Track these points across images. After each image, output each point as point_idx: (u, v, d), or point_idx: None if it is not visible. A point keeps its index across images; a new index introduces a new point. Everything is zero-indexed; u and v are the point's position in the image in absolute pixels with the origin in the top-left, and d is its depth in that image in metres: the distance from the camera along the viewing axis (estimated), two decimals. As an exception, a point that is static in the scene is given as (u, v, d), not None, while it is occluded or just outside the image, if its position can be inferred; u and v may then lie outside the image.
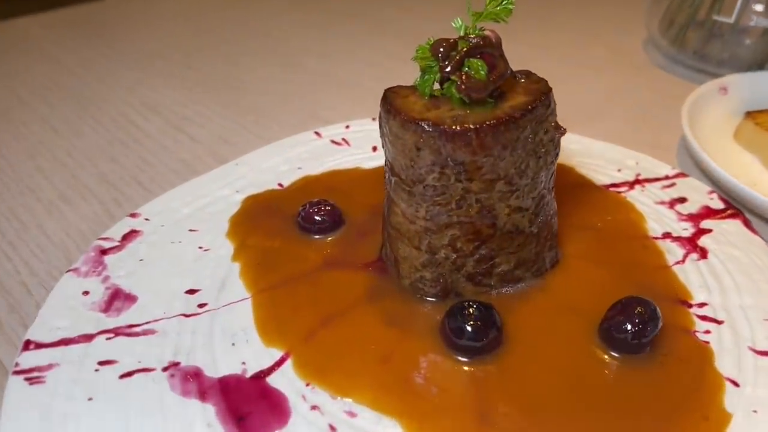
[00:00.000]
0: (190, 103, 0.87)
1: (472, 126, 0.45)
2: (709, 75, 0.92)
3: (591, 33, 1.12)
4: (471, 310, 0.47)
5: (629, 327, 0.47)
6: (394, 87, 0.50)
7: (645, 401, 0.44)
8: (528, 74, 0.50)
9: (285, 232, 0.59)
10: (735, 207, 0.61)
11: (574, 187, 0.65)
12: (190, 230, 0.59)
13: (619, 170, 0.68)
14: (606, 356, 0.47)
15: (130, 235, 0.58)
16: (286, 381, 0.46)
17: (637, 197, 0.64)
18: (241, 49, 1.06)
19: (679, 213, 0.62)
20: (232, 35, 1.13)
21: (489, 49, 0.47)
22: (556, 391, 0.45)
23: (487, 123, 0.45)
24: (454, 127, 0.45)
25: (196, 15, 1.23)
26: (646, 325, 0.47)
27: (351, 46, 1.07)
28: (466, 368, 0.47)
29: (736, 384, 0.45)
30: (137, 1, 1.32)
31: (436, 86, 0.48)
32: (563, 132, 0.49)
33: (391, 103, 0.48)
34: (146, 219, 0.60)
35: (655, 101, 0.88)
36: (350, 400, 0.45)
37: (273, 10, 1.25)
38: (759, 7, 0.89)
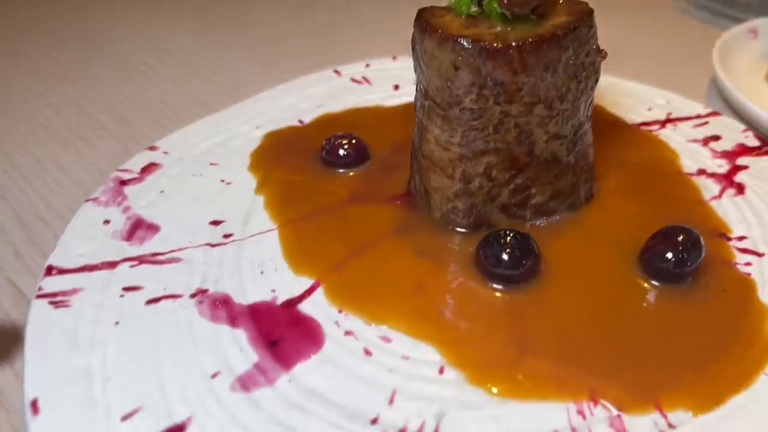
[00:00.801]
0: (203, 44, 0.85)
1: (513, 43, 0.43)
2: (735, 21, 0.89)
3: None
4: (508, 239, 0.46)
5: (671, 256, 0.45)
6: (427, 7, 0.48)
7: (688, 330, 0.43)
8: (568, -5, 0.48)
9: (308, 167, 0.57)
10: (771, 144, 0.60)
11: (605, 125, 0.63)
12: (211, 164, 0.58)
13: (649, 109, 0.66)
14: (647, 285, 0.46)
15: (149, 168, 0.56)
16: (318, 308, 0.44)
17: (669, 135, 0.62)
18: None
19: (713, 150, 0.60)
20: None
21: (531, -35, 0.44)
22: (595, 321, 0.44)
23: (530, 40, 0.43)
24: (495, 44, 0.43)
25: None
26: (689, 253, 0.45)
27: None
28: (502, 297, 0.45)
29: (780, 314, 0.44)
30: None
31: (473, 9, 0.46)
32: (604, 55, 0.47)
33: (428, 21, 0.46)
34: (165, 152, 0.58)
35: (681, 46, 0.86)
36: (385, 326, 0.43)
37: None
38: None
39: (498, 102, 0.45)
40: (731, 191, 0.55)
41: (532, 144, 0.47)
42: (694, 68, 0.78)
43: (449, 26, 0.45)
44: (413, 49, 0.48)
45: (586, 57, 0.46)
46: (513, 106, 0.45)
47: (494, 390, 0.39)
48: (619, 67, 0.79)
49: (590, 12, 0.46)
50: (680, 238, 0.46)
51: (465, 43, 0.43)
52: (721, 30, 0.82)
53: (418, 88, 0.49)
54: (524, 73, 0.44)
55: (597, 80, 0.48)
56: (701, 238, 0.46)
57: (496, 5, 0.44)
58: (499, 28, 0.44)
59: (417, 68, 0.48)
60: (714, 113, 0.65)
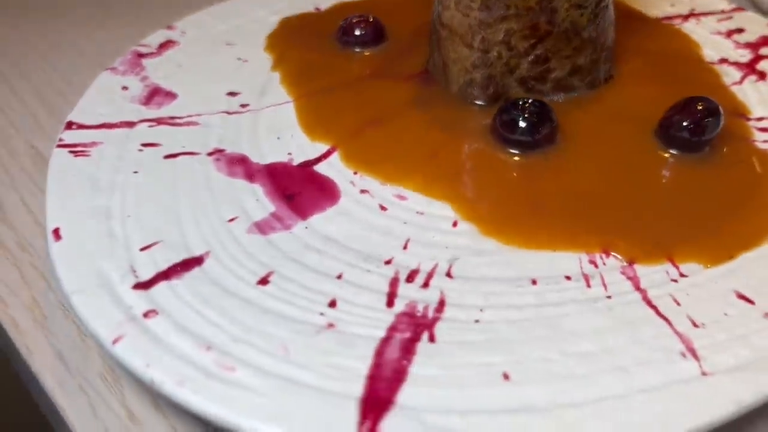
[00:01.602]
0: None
1: None
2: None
3: None
4: (525, 105, 0.45)
5: (688, 124, 0.45)
6: None
7: (703, 194, 0.43)
8: None
9: (325, 47, 0.57)
10: (796, 35, 0.59)
11: (626, 17, 0.62)
12: (227, 44, 0.57)
13: (672, 5, 0.65)
14: (664, 153, 0.46)
15: (167, 44, 0.56)
16: (334, 169, 0.45)
17: (691, 29, 0.61)
18: None
19: (736, 42, 0.59)
20: None
21: None
22: (610, 184, 0.44)
23: None
24: None
25: None
26: (706, 122, 0.45)
27: None
28: (518, 161, 0.45)
29: (796, 185, 0.44)
30: None
31: None
32: None
33: None
34: (182, 32, 0.58)
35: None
36: (400, 186, 0.43)
37: None
38: None
39: (519, -39, 0.44)
40: (753, 77, 0.54)
41: (554, 11, 0.47)
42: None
43: None
44: None
45: None
46: (535, -32, 0.44)
47: (506, 240, 0.40)
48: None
49: None
50: (698, 107, 0.45)
51: None
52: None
53: (440, -48, 0.48)
54: (547, -70, 0.43)
55: (622, -51, 0.47)
56: (720, 108, 0.45)
57: None
58: None
59: (437, -69, 0.47)
60: (738, 8, 0.63)
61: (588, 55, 0.50)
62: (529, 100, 0.46)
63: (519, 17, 0.46)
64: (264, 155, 0.46)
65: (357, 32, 0.56)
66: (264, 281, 0.36)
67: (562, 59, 0.49)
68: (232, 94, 0.51)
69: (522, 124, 0.45)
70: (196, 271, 0.36)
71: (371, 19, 0.57)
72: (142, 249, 0.37)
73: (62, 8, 0.69)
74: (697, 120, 0.45)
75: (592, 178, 0.44)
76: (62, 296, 0.36)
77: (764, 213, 0.42)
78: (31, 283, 0.40)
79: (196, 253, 0.37)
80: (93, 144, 0.44)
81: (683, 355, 0.33)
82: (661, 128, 0.46)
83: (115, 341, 0.31)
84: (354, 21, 0.56)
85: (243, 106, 0.50)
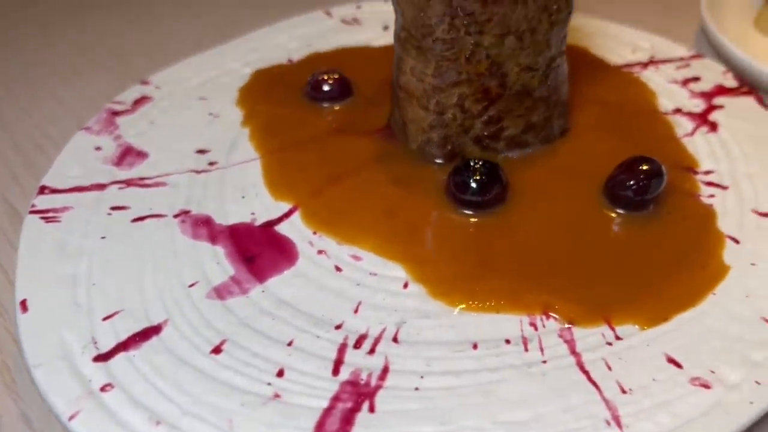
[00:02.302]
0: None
1: (483, -27, 0.44)
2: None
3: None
4: (476, 166, 0.48)
5: (633, 183, 0.47)
6: (402, -60, 0.49)
7: (644, 253, 0.45)
8: (542, -70, 0.49)
9: (294, 101, 0.59)
10: (749, 85, 0.61)
11: (586, 66, 0.64)
12: (200, 98, 0.60)
13: (633, 51, 0.67)
14: (609, 212, 0.48)
15: (141, 101, 0.59)
16: (294, 229, 0.47)
17: (649, 77, 0.63)
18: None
19: (691, 91, 0.61)
20: None
21: None
22: (556, 243, 0.46)
23: (499, -29, 0.44)
24: (464, -26, 0.44)
25: None
26: (650, 181, 0.47)
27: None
28: (469, 221, 0.47)
29: (736, 241, 0.46)
30: None
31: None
32: (577, -11, 0.48)
33: (402, -47, 0.47)
34: (156, 87, 0.60)
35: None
36: (356, 246, 0.46)
37: None
38: None
39: (469, 32, 0.46)
40: (704, 129, 0.56)
41: (504, 75, 0.49)
42: (686, 14, 0.78)
43: (423, -43, 0.46)
44: (390, -21, 0.49)
45: (558, -11, 0.47)
46: (484, 37, 0.47)
47: (453, 302, 0.42)
48: (609, 8, 0.80)
49: (563, -56, 0.47)
50: (642, 167, 0.47)
51: (436, -27, 0.44)
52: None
53: (396, 20, 0.50)
54: (494, 4, 0.45)
55: (570, 13, 0.50)
56: (663, 167, 0.47)
57: (466, -64, 0.45)
58: (470, -41, 0.45)
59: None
60: (697, 56, 0.65)
61: (541, 113, 0.52)
62: (480, 162, 0.48)
63: (470, 82, 0.49)
64: (228, 215, 0.48)
65: (324, 88, 0.59)
66: (217, 350, 0.38)
67: (515, 118, 0.51)
68: (201, 151, 0.54)
69: (473, 185, 0.47)
70: (154, 340, 0.38)
71: (338, 76, 0.59)
72: (105, 318, 0.39)
73: (43, 57, 0.71)
74: (640, 180, 0.47)
75: (538, 238, 0.46)
76: (30, 362, 0.38)
77: (701, 273, 0.44)
78: (2, 346, 0.42)
79: (156, 321, 0.39)
80: (64, 209, 0.47)
81: (608, 423, 0.35)
82: (608, 187, 0.48)
83: (71, 417, 0.33)
84: (321, 78, 0.59)
85: (211, 164, 0.53)
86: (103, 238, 0.45)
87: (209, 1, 0.82)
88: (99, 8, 0.81)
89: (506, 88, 0.50)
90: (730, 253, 0.45)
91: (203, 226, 0.47)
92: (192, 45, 0.71)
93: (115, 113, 0.57)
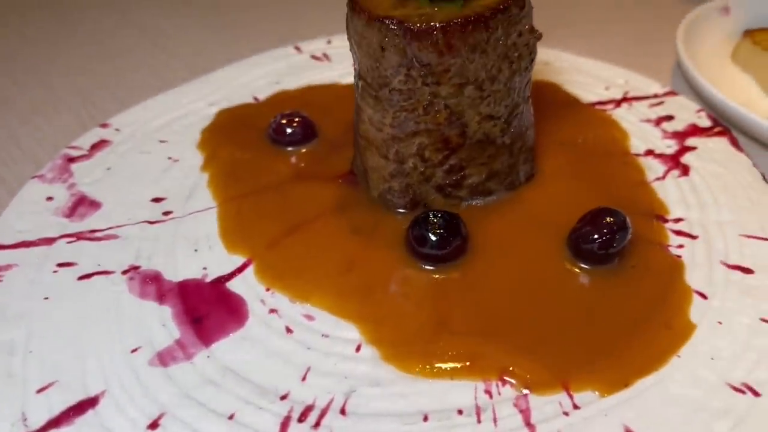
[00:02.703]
0: (168, 16, 0.85)
1: (438, 24, 0.43)
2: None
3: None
4: (435, 219, 0.46)
5: (596, 237, 0.45)
6: (361, -15, 0.48)
7: (607, 312, 0.44)
8: (504, -26, 0.48)
9: (257, 144, 0.58)
10: (722, 125, 0.59)
11: (558, 104, 0.63)
12: (161, 141, 0.58)
13: (606, 88, 0.66)
14: (573, 266, 0.46)
15: (99, 145, 0.57)
16: (246, 286, 0.45)
17: (622, 115, 0.62)
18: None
19: (664, 131, 0.60)
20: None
21: (460, -56, 0.44)
22: (517, 301, 0.44)
23: (455, 21, 0.43)
24: (419, 25, 0.43)
25: None
26: (614, 235, 0.45)
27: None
28: (429, 276, 0.46)
29: (704, 296, 0.44)
30: None
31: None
32: (539, 36, 0.47)
33: (357, 1, 0.45)
34: (116, 129, 0.59)
35: (655, 21, 0.84)
36: (309, 305, 0.44)
37: None
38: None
39: (426, 83, 0.45)
40: (676, 172, 0.55)
41: (464, 125, 0.47)
42: (666, 45, 0.77)
43: (378, 6, 0.45)
44: (347, 27, 0.48)
45: (519, 37, 0.46)
46: (442, 88, 0.45)
47: (406, 367, 0.40)
48: (587, 41, 0.79)
49: (524, -9, 0.45)
50: (606, 220, 0.46)
51: (390, 24, 0.43)
52: (698, 3, 0.80)
53: (354, 68, 0.49)
54: (450, 54, 0.44)
55: (533, 60, 0.48)
56: (627, 220, 0.46)
57: (421, -15, 0.43)
58: (425, 9, 0.44)
59: (351, 48, 0.48)
60: (671, 93, 0.64)
61: (505, 160, 0.51)
62: (440, 214, 0.46)
63: (430, 132, 0.47)
64: (178, 271, 0.46)
65: (287, 130, 0.57)
66: (154, 425, 0.36)
67: (478, 166, 0.50)
68: (157, 199, 0.52)
69: (432, 238, 0.46)
70: (89, 414, 0.37)
71: (301, 119, 0.57)
72: (39, 390, 0.38)
73: (5, 97, 0.70)
74: (604, 234, 0.45)
75: (499, 295, 0.44)
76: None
77: (666, 333, 0.42)
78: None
79: (93, 392, 0.38)
80: (8, 267, 0.45)
81: (558, 506, 0.33)
82: (571, 239, 0.47)
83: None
84: (284, 120, 0.57)
85: (166, 213, 0.51)
86: (46, 298, 0.43)
87: (179, 36, 0.81)
88: (67, 42, 0.80)
89: (467, 137, 0.48)
90: (696, 310, 0.43)
91: (152, 283, 0.45)
92: (160, 81, 0.70)
93: (71, 159, 0.55)
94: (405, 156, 0.49)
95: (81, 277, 0.45)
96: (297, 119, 0.57)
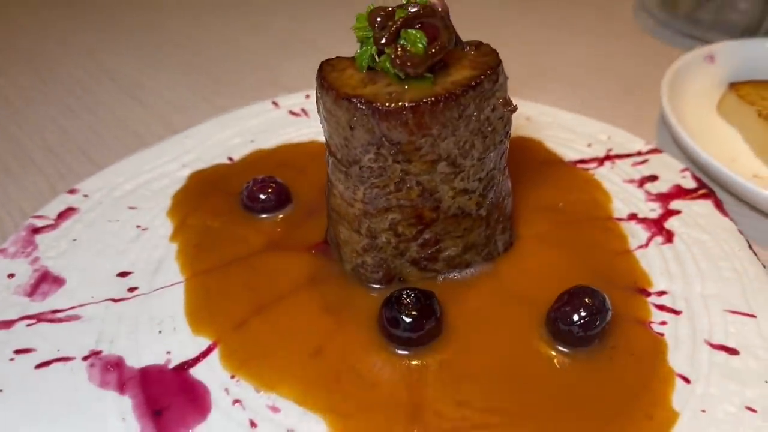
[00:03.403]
0: (147, 68, 0.84)
1: (407, 104, 0.41)
2: (700, 41, 0.87)
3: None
4: (408, 300, 0.44)
5: (575, 319, 0.44)
6: (332, 59, 0.47)
7: (588, 400, 0.42)
8: (478, 45, 0.47)
9: (228, 211, 0.56)
10: (707, 187, 0.58)
11: (540, 163, 0.62)
12: (130, 207, 0.57)
13: (589, 145, 0.64)
14: (551, 350, 0.44)
15: (66, 213, 0.56)
16: (211, 373, 0.44)
17: (605, 175, 0.61)
18: (208, 10, 1.01)
19: (648, 192, 0.58)
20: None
21: (431, 19, 0.43)
22: (494, 387, 0.43)
23: (424, 101, 0.41)
24: (388, 104, 0.41)
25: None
26: (593, 317, 0.44)
27: (322, 5, 1.02)
28: (401, 361, 0.44)
29: (687, 380, 0.43)
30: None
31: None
32: (513, 109, 0.46)
33: (325, 78, 0.44)
34: (85, 195, 0.57)
35: (641, 68, 0.84)
36: (275, 394, 0.42)
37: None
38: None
39: (397, 161, 0.43)
40: (659, 239, 0.53)
41: (438, 200, 0.46)
42: (653, 92, 0.75)
43: (347, 83, 0.43)
44: (316, 102, 0.46)
45: (492, 112, 0.45)
46: (413, 165, 0.44)
47: (374, 468, 0.38)
48: (574, 92, 0.78)
49: (496, 65, 0.44)
50: (585, 301, 0.44)
51: (358, 104, 0.42)
52: (684, 50, 0.79)
53: (325, 142, 0.48)
54: (420, 133, 0.42)
55: (508, 133, 0.47)
56: (607, 301, 0.44)
57: (389, 65, 0.42)
58: (395, 86, 0.43)
59: (321, 122, 0.47)
60: (655, 150, 0.63)
61: (481, 232, 0.49)
62: (413, 294, 0.45)
63: (402, 208, 0.46)
64: (141, 356, 0.45)
65: (261, 197, 0.56)
66: None
67: (454, 239, 0.48)
68: (123, 274, 0.51)
69: (405, 320, 0.44)
70: None
71: (275, 184, 0.56)
72: (-17, 501, 0.36)
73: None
74: (582, 317, 0.44)
75: (473, 385, 0.43)
76: None
77: (647, 424, 0.40)
78: None
79: (42, 501, 0.36)
80: (-39, 357, 0.43)
81: None
82: (549, 320, 0.45)
83: None
84: (256, 187, 0.56)
85: (131, 290, 0.49)
86: (0, 391, 0.41)
87: (157, 89, 0.79)
88: (40, 94, 0.78)
89: (441, 212, 0.47)
90: (679, 396, 0.42)
91: (113, 370, 0.43)
92: (134, 138, 0.69)
93: (36, 230, 0.53)
94: (377, 231, 0.47)
95: (39, 365, 0.43)
96: (270, 185, 0.56)
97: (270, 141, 0.65)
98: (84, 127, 0.71)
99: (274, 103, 0.70)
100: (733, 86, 0.69)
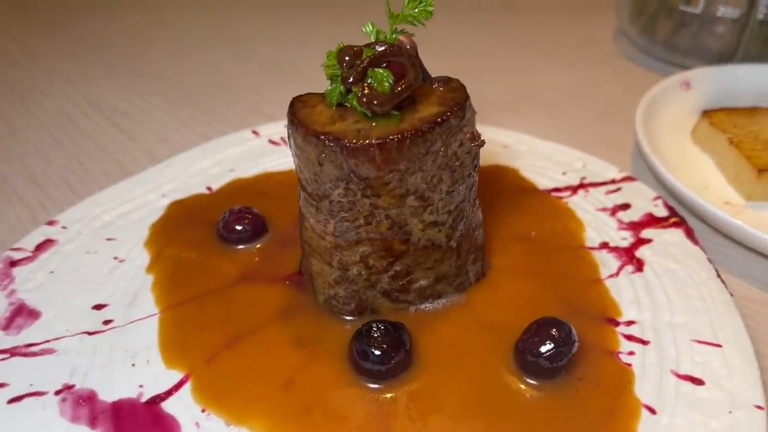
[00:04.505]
0: (131, 97, 0.85)
1: (374, 141, 0.42)
2: (678, 67, 0.89)
3: (561, 22, 1.08)
4: (377, 333, 0.45)
5: (542, 351, 0.44)
6: (304, 95, 0.48)
7: (555, 431, 0.42)
8: (447, 81, 0.47)
9: (205, 242, 0.57)
10: (678, 215, 0.59)
11: (514, 192, 0.63)
12: (108, 239, 0.57)
13: (564, 173, 0.65)
14: (519, 381, 0.45)
15: (44, 245, 0.56)
16: (182, 406, 0.44)
17: (579, 203, 0.61)
18: (192, 38, 1.02)
19: (620, 221, 0.59)
20: (184, 23, 1.09)
21: (398, 58, 0.44)
22: (462, 420, 0.43)
23: (391, 138, 0.42)
24: (355, 141, 0.42)
25: (148, 2, 1.19)
26: (560, 348, 0.44)
27: (306, 34, 1.03)
28: (371, 394, 0.45)
29: (653, 411, 0.43)
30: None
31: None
32: (481, 143, 0.47)
33: (295, 114, 0.45)
34: (63, 227, 0.58)
35: (620, 94, 0.85)
36: (245, 428, 0.43)
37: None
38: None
39: (366, 195, 0.44)
40: (630, 268, 0.54)
41: (408, 233, 0.47)
42: (630, 118, 0.76)
43: (316, 120, 0.44)
44: (288, 137, 0.47)
45: (459, 147, 0.45)
46: (382, 199, 0.45)
47: (341, 503, 0.39)
48: (552, 119, 0.79)
49: (463, 101, 0.45)
50: (552, 333, 0.45)
51: (326, 140, 0.42)
52: (663, 76, 0.80)
53: (297, 176, 0.48)
54: (387, 169, 0.43)
55: (476, 166, 0.48)
56: (573, 332, 0.45)
57: (356, 103, 0.43)
58: (363, 123, 0.43)
59: (293, 156, 0.47)
60: (628, 178, 0.64)
61: (452, 263, 0.50)
62: (382, 326, 0.45)
63: (372, 241, 0.46)
64: (114, 389, 0.45)
65: (237, 228, 0.56)
66: None
67: (425, 270, 0.49)
68: (98, 306, 0.51)
69: (374, 352, 0.45)
70: None
71: (250, 215, 0.57)
72: None
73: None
74: (549, 349, 0.44)
75: (443, 418, 0.43)
76: None
77: (612, 459, 0.41)
78: None
79: None
80: (-67, 393, 0.44)
81: None
82: (516, 351, 0.46)
83: None
84: (232, 219, 0.56)
85: (106, 322, 0.50)
86: (-29, 428, 0.42)
87: (141, 119, 0.80)
88: (23, 123, 0.79)
89: (411, 244, 0.47)
90: (645, 427, 0.42)
91: (85, 405, 0.44)
92: (116, 167, 0.70)
93: (13, 263, 0.54)
94: (348, 264, 0.48)
95: (11, 400, 0.44)
96: (246, 216, 0.57)
97: (250, 170, 0.66)
98: (68, 156, 0.72)
99: (255, 132, 0.71)
100: (706, 113, 0.70)
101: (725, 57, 0.87)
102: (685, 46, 0.90)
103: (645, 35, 0.94)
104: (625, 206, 0.61)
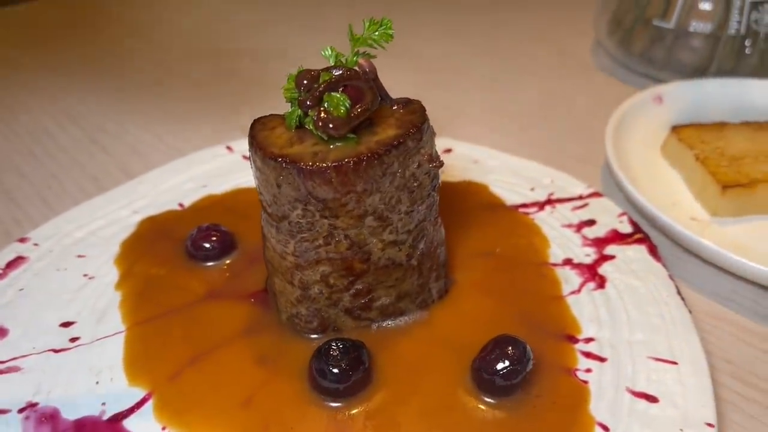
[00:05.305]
0: (109, 112, 0.85)
1: (331, 163, 0.43)
2: (654, 80, 0.89)
3: (538, 35, 1.09)
4: (336, 351, 0.46)
5: (498, 368, 0.45)
6: (264, 116, 0.48)
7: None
8: (407, 102, 0.48)
9: (174, 259, 0.58)
10: (642, 231, 0.60)
11: (482, 208, 0.64)
12: (78, 256, 0.58)
13: (532, 189, 0.66)
14: (476, 399, 0.46)
15: (15, 263, 0.57)
16: (144, 424, 0.45)
17: (545, 219, 0.62)
18: (172, 54, 1.03)
19: (584, 237, 0.60)
20: (164, 36, 1.10)
21: (355, 82, 0.45)
22: (417, 438, 0.44)
23: (347, 160, 0.43)
24: (312, 164, 0.43)
25: (129, 17, 1.20)
26: (515, 366, 0.45)
27: (287, 47, 1.04)
28: (329, 412, 0.45)
29: (606, 429, 0.44)
30: (70, 3, 1.27)
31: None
32: (439, 165, 0.47)
33: (255, 136, 0.46)
34: (35, 244, 0.59)
35: (594, 107, 0.86)
36: (204, 445, 0.43)
37: (209, 10, 1.22)
38: (705, 6, 0.86)
39: (324, 216, 0.45)
40: (591, 285, 0.55)
41: (368, 252, 0.47)
42: (603, 132, 0.77)
43: (275, 142, 0.45)
44: (250, 159, 0.48)
45: (417, 168, 0.46)
46: (340, 220, 0.45)
47: None
48: (525, 133, 0.80)
49: (420, 123, 0.46)
50: (508, 351, 0.46)
51: (284, 163, 0.43)
52: (639, 89, 0.81)
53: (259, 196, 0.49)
54: (344, 190, 0.44)
55: (435, 186, 0.48)
56: (528, 350, 0.46)
57: (312, 126, 0.44)
58: (321, 146, 0.44)
59: (254, 178, 0.48)
60: (595, 194, 0.65)
61: (414, 281, 0.51)
62: (341, 344, 0.46)
63: (332, 261, 0.47)
64: (77, 407, 0.46)
65: (205, 245, 0.57)
66: None
67: (387, 288, 0.50)
68: (66, 324, 0.52)
69: (332, 371, 0.45)
70: None
71: (219, 233, 0.57)
72: None
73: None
74: (504, 366, 0.45)
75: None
76: None
77: (563, 475, 0.41)
78: None
79: None
80: None
81: None
82: (473, 369, 0.46)
83: None
84: (200, 236, 0.57)
85: (73, 340, 0.51)
86: (-68, 448, 0.42)
87: (119, 134, 0.81)
88: (3, 141, 0.80)
89: (371, 263, 0.48)
90: (597, 445, 0.43)
91: (47, 422, 0.44)
92: (91, 182, 0.71)
93: (-17, 281, 0.55)
94: (309, 283, 0.48)
95: (-27, 420, 0.44)
96: (214, 234, 0.57)
97: (222, 186, 0.67)
98: (44, 172, 0.73)
99: (228, 148, 0.72)
100: (675, 129, 0.71)
101: (700, 71, 0.88)
102: (661, 59, 0.90)
103: (622, 48, 0.95)
104: (591, 222, 0.61)
